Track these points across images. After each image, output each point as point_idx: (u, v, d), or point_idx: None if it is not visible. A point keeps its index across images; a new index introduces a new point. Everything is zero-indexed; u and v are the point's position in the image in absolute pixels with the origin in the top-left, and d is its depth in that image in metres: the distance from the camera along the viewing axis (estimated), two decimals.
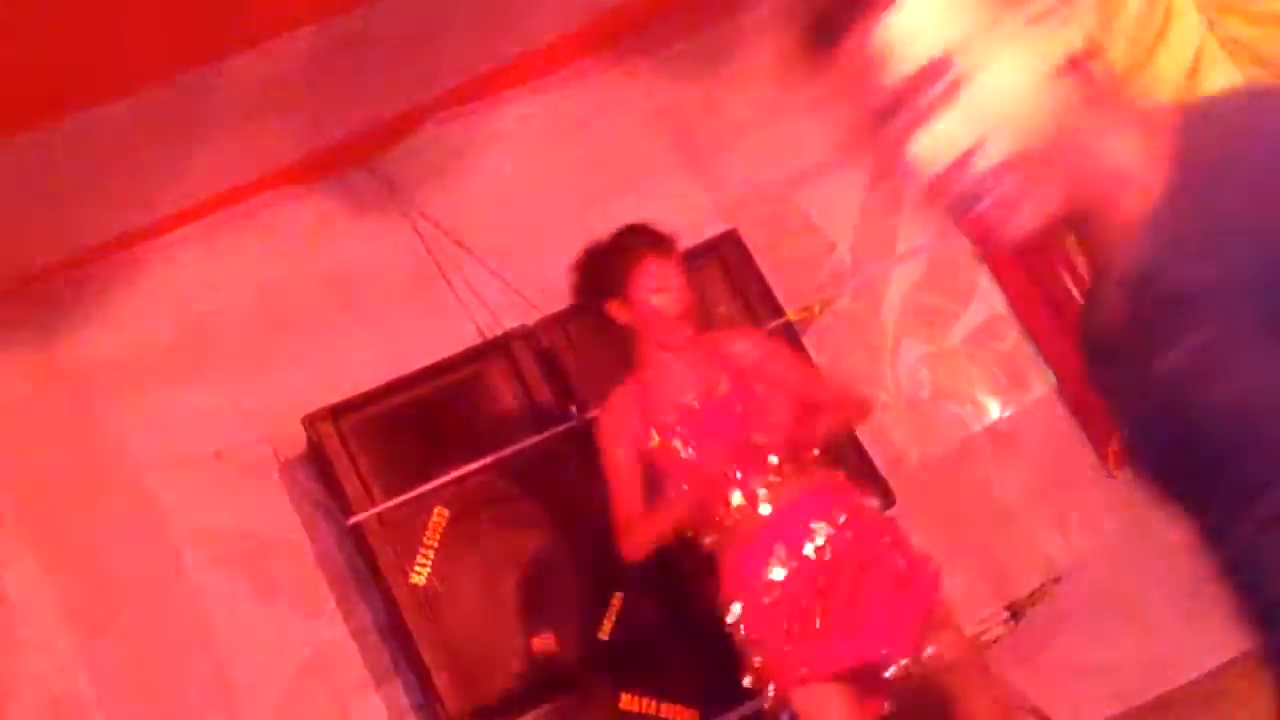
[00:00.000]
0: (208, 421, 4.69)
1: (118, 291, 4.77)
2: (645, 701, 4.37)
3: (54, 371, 4.69)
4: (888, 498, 4.67)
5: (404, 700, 4.51)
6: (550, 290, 4.90)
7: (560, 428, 4.67)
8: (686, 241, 4.84)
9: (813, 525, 3.57)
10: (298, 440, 4.64)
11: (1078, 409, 5.11)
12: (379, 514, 4.50)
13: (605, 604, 4.49)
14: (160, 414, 4.66)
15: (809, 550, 3.55)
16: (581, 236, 5.17)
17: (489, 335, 4.86)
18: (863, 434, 4.85)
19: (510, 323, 4.88)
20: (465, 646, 4.39)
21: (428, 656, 4.34)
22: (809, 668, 3.50)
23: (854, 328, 5.17)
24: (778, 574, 3.55)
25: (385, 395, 4.67)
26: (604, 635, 4.44)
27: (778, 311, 4.86)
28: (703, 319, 3.88)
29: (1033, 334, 5.16)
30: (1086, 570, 4.95)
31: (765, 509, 3.59)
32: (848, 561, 3.55)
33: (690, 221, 5.06)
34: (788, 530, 3.57)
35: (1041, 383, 5.18)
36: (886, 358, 5.23)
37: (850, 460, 4.71)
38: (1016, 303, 5.18)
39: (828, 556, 3.54)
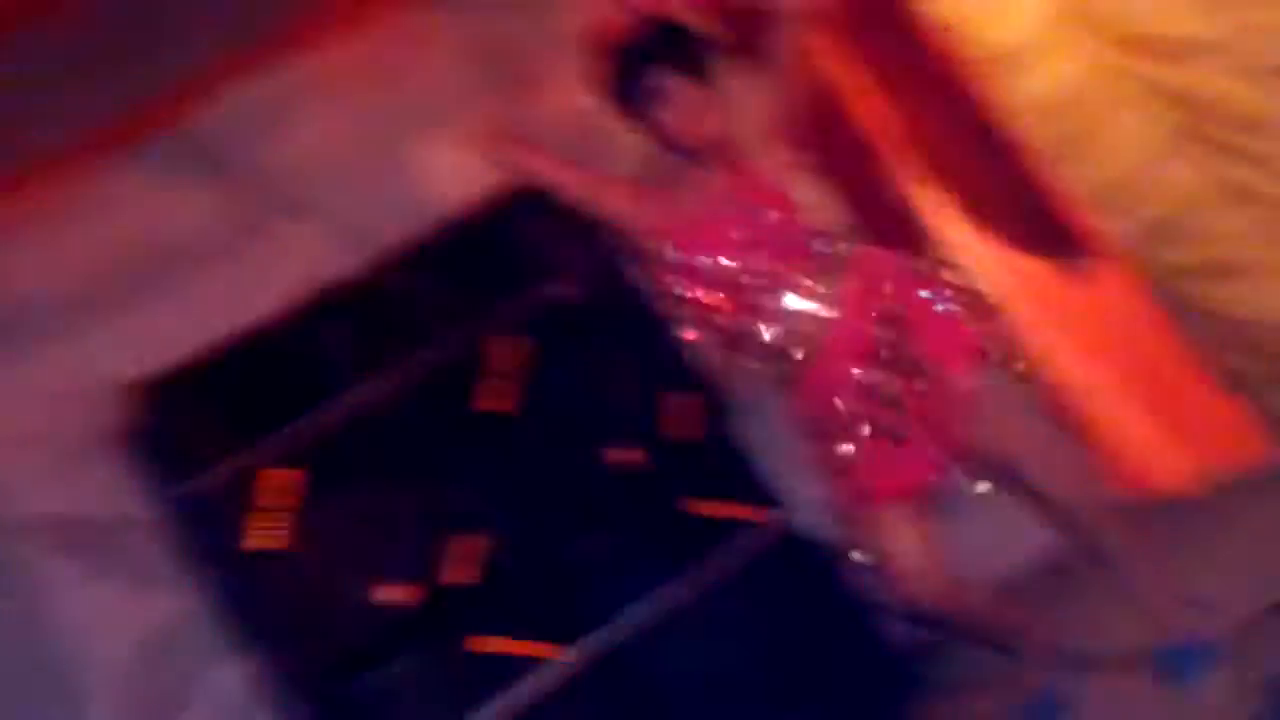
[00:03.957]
0: (29, 401, 4.58)
1: None
2: (496, 641, 4.34)
3: None
4: None
5: (253, 667, 4.43)
6: (377, 237, 4.86)
7: (406, 371, 4.62)
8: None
9: (877, 328, 3.37)
10: (122, 413, 4.54)
11: None
12: (211, 479, 4.43)
13: (445, 547, 4.46)
14: None
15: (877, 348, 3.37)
16: (403, 178, 5.14)
17: (318, 288, 4.76)
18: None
19: (339, 272, 4.79)
20: (310, 605, 4.33)
21: (273, 619, 4.30)
22: (894, 483, 3.34)
23: None
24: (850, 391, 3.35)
25: (210, 358, 4.58)
26: (447, 579, 4.41)
27: None
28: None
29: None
30: None
31: (827, 309, 3.38)
32: (912, 357, 3.37)
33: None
34: (853, 333, 3.36)
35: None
36: None
37: None
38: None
39: (899, 362, 3.38)
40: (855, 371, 3.32)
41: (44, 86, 4.38)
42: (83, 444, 4.53)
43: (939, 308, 3.39)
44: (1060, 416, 4.91)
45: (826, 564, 4.57)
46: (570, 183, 3.62)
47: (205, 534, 4.38)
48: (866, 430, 3.31)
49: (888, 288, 3.36)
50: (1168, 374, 4.74)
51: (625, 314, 4.74)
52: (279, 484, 4.44)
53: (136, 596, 4.44)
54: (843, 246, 3.45)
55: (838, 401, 3.36)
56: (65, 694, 4.31)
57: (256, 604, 4.30)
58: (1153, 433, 4.79)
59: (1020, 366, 4.92)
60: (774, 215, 3.45)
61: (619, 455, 4.60)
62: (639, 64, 3.46)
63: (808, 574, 4.58)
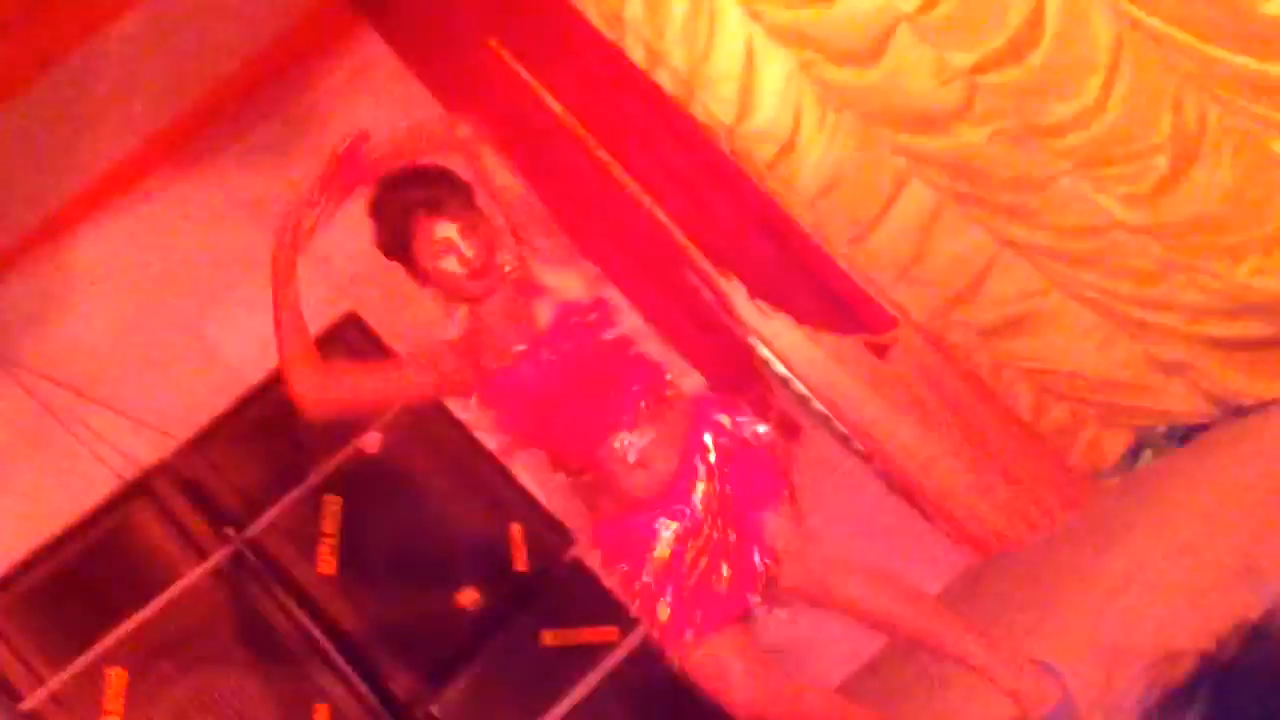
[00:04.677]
0: None
1: None
2: None
3: None
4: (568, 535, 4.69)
5: None
6: (179, 414, 4.75)
7: (221, 553, 4.52)
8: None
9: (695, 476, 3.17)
10: None
11: None
12: (51, 693, 4.27)
13: (314, 706, 4.35)
14: None
15: (695, 503, 3.15)
16: (198, 349, 5.05)
17: (126, 478, 4.64)
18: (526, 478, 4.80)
19: (145, 459, 4.68)
20: None
21: None
22: (701, 626, 3.15)
23: None
24: (664, 545, 3.17)
25: (32, 566, 4.43)
26: None
27: None
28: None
29: (671, 340, 5.19)
30: None
31: (641, 470, 3.17)
32: (727, 503, 3.16)
33: (306, 309, 4.94)
34: (671, 492, 3.17)
35: (692, 384, 5.22)
36: None
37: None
38: (649, 312, 5.21)
39: (710, 507, 3.15)
40: (667, 527, 3.27)
41: None
42: None
43: (746, 439, 3.32)
44: (898, 488, 5.00)
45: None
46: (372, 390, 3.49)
47: None
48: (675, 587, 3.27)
49: (703, 435, 3.29)
50: (992, 434, 4.84)
51: (450, 456, 4.72)
52: (128, 683, 4.30)
53: None
54: (669, 390, 3.38)
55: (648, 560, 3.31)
56: None
57: None
58: (986, 491, 4.88)
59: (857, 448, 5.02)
60: (591, 343, 3.36)
61: (468, 597, 4.55)
62: (408, 218, 3.35)
63: (669, 683, 4.57)
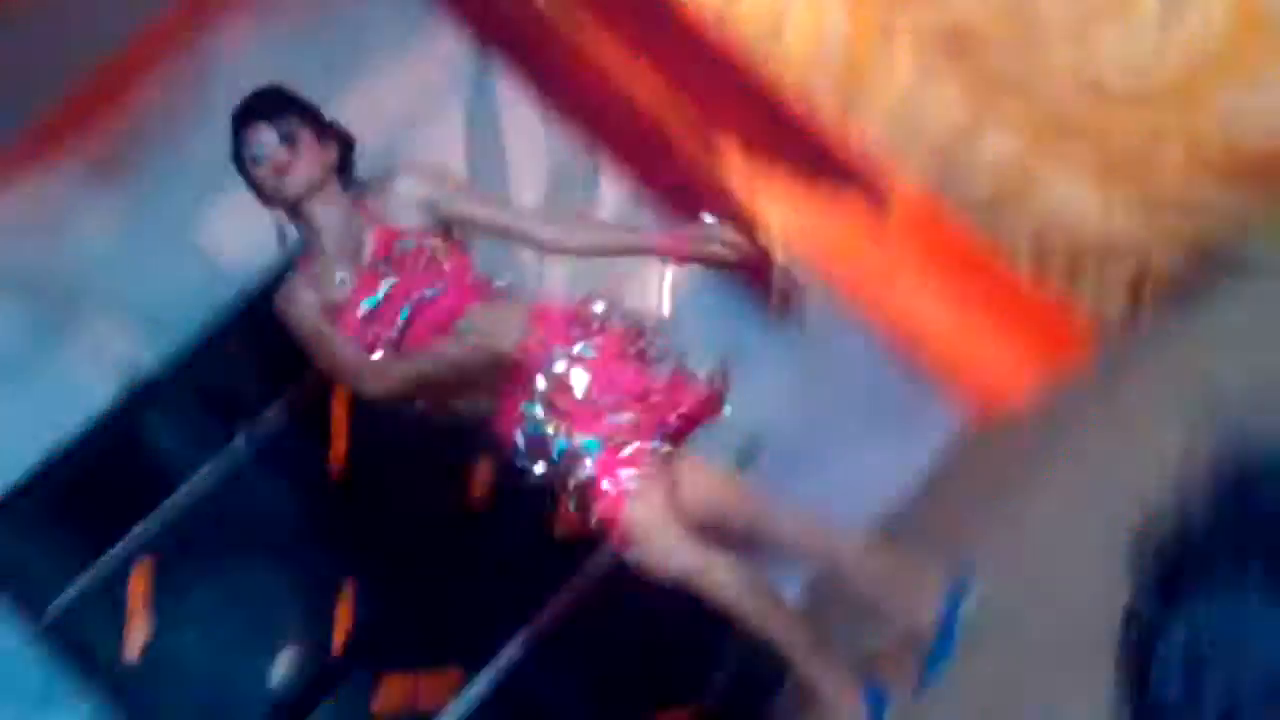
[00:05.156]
0: None
1: None
2: (404, 679, 4.38)
3: None
4: None
5: None
6: (180, 316, 4.77)
7: (233, 449, 4.59)
8: None
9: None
10: None
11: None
12: (78, 595, 4.35)
13: (335, 596, 4.44)
14: None
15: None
16: (196, 253, 5.05)
17: (132, 381, 4.67)
18: None
19: (149, 362, 4.71)
20: (207, 694, 4.31)
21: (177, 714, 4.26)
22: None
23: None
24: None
25: (46, 475, 4.48)
26: (337, 643, 4.40)
27: None
28: None
29: (666, 218, 5.20)
30: (781, 428, 5.05)
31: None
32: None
33: None
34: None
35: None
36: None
37: None
38: (643, 193, 5.21)
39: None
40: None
41: None
42: None
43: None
44: (899, 349, 5.04)
45: None
46: None
47: (86, 647, 4.30)
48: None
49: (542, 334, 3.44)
50: (992, 289, 4.88)
51: None
52: (145, 580, 4.36)
53: None
54: (517, 289, 3.59)
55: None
56: None
57: (157, 705, 4.23)
58: (993, 352, 4.91)
59: None
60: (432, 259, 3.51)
61: (481, 483, 4.61)
62: (239, 125, 3.52)
63: None
